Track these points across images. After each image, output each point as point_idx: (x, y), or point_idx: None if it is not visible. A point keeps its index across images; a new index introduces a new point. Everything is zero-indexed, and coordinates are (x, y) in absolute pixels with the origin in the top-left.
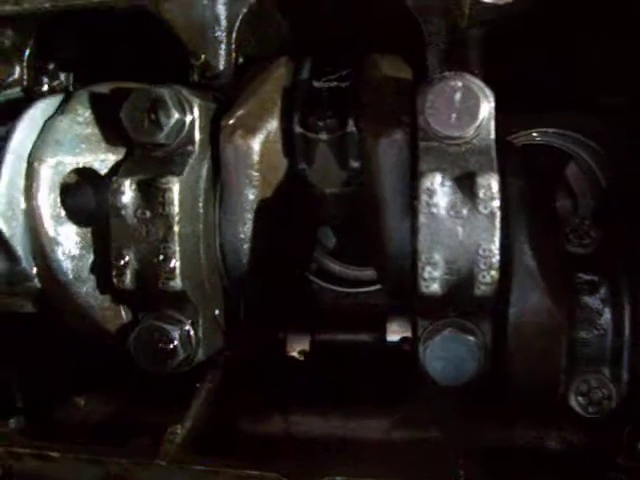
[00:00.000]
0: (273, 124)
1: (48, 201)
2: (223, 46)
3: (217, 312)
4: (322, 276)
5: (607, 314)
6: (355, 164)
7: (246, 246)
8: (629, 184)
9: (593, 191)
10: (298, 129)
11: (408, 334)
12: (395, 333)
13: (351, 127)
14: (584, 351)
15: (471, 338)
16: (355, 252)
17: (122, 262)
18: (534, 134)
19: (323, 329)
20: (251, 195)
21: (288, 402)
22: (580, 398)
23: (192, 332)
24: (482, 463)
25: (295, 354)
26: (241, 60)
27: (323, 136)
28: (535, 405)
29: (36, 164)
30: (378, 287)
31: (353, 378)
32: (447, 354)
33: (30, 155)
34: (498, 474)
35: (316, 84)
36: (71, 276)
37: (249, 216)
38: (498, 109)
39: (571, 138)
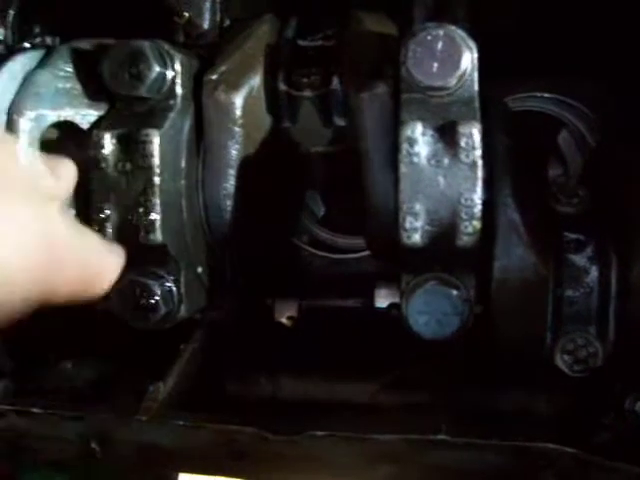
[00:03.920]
0: (256, 80)
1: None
2: (208, 5)
3: (200, 269)
4: (311, 243)
5: (594, 272)
6: (340, 122)
7: (229, 203)
8: (617, 145)
9: (583, 154)
10: (282, 86)
11: (396, 300)
12: (383, 299)
13: (335, 84)
14: (570, 309)
15: (454, 292)
16: (343, 220)
17: (102, 216)
18: (527, 99)
19: (311, 295)
20: (234, 151)
21: (275, 366)
22: (566, 356)
23: (174, 288)
24: (467, 421)
25: (283, 320)
26: (227, 22)
27: (307, 93)
28: (521, 364)
29: (15, 116)
30: (367, 254)
31: (341, 343)
32: (429, 308)
33: (10, 108)
34: (482, 431)
35: (301, 43)
36: None
37: (232, 172)
38: (492, 73)
39: (563, 103)
